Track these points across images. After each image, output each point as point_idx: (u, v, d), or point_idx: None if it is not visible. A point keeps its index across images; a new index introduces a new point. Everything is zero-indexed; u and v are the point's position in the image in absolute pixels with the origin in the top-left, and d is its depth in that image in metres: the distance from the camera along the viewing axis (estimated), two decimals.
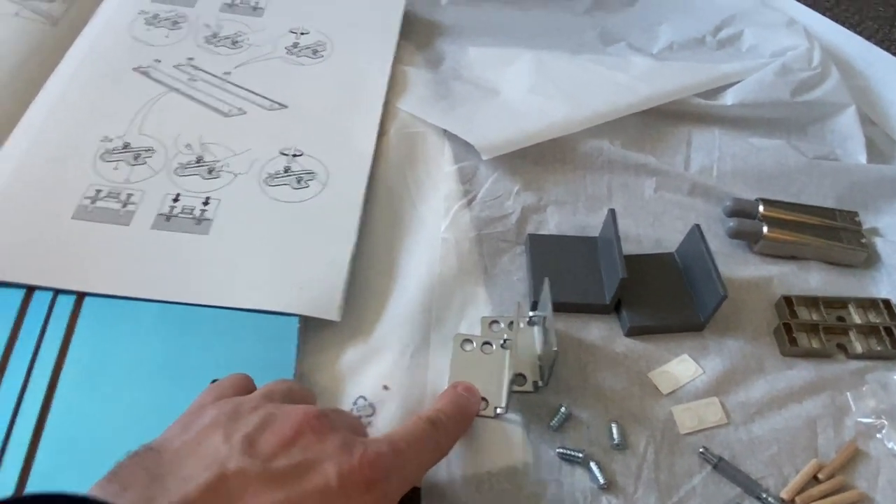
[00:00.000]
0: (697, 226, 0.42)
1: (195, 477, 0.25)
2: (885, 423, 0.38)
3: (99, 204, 0.42)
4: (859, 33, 0.61)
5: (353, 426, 0.31)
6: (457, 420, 0.33)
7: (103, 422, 0.34)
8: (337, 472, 0.26)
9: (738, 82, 0.53)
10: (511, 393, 0.37)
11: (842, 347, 0.41)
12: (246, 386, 0.32)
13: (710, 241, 0.41)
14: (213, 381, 0.33)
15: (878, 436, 0.38)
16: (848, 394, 0.39)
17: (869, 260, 0.45)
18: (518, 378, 0.38)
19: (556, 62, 0.54)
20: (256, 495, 0.25)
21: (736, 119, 0.52)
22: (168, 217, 0.42)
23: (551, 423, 0.37)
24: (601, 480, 0.35)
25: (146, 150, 0.45)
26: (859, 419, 0.38)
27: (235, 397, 0.30)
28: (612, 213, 0.42)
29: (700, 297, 0.41)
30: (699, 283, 0.41)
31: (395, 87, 0.52)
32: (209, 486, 0.24)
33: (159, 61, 0.51)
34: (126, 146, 0.45)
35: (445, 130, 0.49)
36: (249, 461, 0.25)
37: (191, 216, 0.42)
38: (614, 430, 0.37)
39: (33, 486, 0.32)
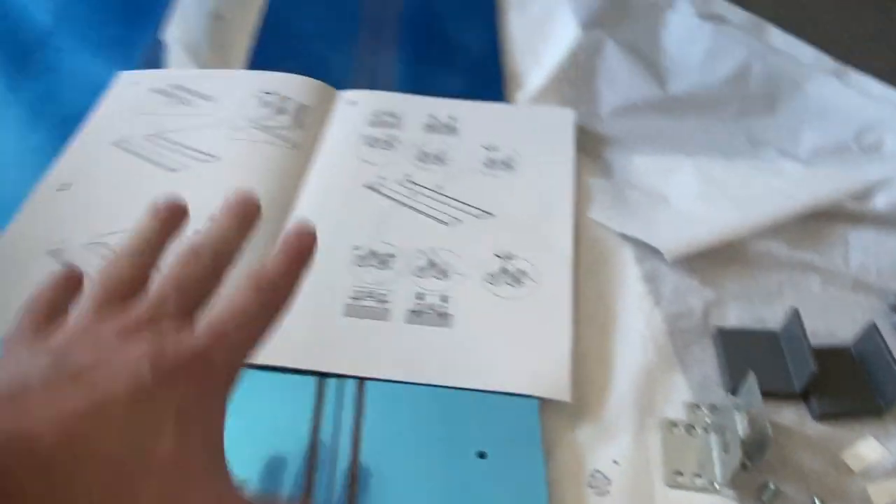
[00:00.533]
0: (875, 324, 0.48)
1: None
2: None
3: (361, 303, 0.52)
4: None
5: None
6: (287, 271, 0.32)
7: (397, 487, 0.43)
8: (150, 365, 0.25)
9: (887, 186, 0.60)
10: (728, 472, 0.44)
11: None
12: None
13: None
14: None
15: None
16: None
17: None
18: (733, 459, 0.45)
19: (715, 169, 0.62)
20: (56, 398, 0.23)
21: (889, 219, 0.58)
22: (417, 313, 0.51)
23: (762, 498, 0.43)
24: None
25: (389, 256, 0.55)
26: None
27: (112, 297, 0.28)
28: (797, 312, 0.49)
29: (880, 386, 0.47)
30: (878, 375, 0.47)
31: (579, 196, 0.61)
32: (9, 390, 0.23)
33: (384, 178, 0.61)
34: (372, 253, 0.55)
35: (627, 236, 0.58)
36: (56, 367, 0.24)
37: (434, 312, 0.51)
38: (817, 503, 0.43)
39: None
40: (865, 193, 0.60)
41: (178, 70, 0.71)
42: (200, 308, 0.30)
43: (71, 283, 0.31)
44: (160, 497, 0.23)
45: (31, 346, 0.26)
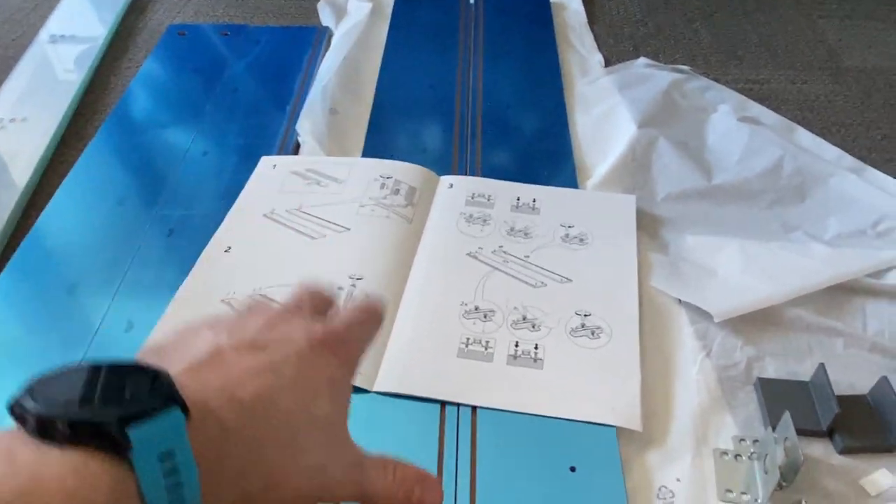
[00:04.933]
0: (885, 377, 0.60)
1: (195, 352, 0.28)
2: None
3: (470, 348, 0.65)
4: None
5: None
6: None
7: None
8: (306, 336, 0.30)
9: None
10: (769, 491, 0.55)
11: None
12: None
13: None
14: None
15: None
16: None
17: None
18: (772, 480, 0.57)
19: (754, 248, 0.76)
20: (245, 360, 0.28)
21: None
22: (515, 357, 0.65)
23: None
24: None
25: (490, 311, 0.69)
26: None
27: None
28: (823, 365, 0.61)
29: (891, 427, 0.59)
30: (889, 417, 0.59)
31: (641, 266, 0.75)
32: (210, 354, 0.28)
33: (482, 248, 0.76)
34: (476, 308, 0.69)
35: (681, 300, 0.71)
36: (238, 339, 0.29)
37: (529, 356, 0.65)
38: None
39: None
40: (880, 272, 0.73)
41: (310, 157, 0.88)
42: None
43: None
44: (320, 447, 0.28)
45: (212, 328, 0.30)
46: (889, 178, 0.85)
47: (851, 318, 0.70)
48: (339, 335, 0.32)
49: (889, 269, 0.73)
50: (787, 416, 0.57)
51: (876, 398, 0.61)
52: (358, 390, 0.61)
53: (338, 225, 0.77)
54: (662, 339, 0.68)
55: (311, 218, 0.78)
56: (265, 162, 0.87)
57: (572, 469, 0.56)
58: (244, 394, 0.26)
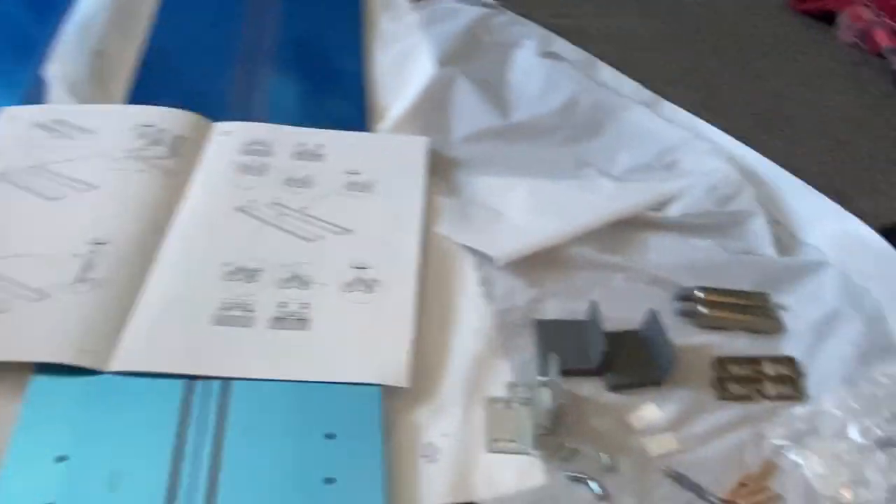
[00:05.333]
0: (654, 311, 0.60)
1: None
2: (791, 443, 0.55)
3: (229, 313, 0.59)
4: (769, 150, 0.81)
5: None
6: None
7: (267, 472, 0.50)
8: None
9: (678, 198, 0.72)
10: (535, 436, 0.53)
11: (760, 392, 0.59)
12: None
13: (665, 318, 0.59)
14: None
15: (786, 453, 0.55)
16: (765, 425, 0.56)
17: (778, 328, 0.63)
18: (538, 425, 0.55)
19: (544, 188, 0.73)
20: None
21: (679, 226, 0.71)
22: (279, 319, 0.59)
23: (561, 455, 0.53)
24: (598, 492, 0.51)
25: (256, 271, 0.62)
26: (773, 441, 0.55)
27: None
28: (595, 304, 0.60)
29: (658, 361, 0.58)
30: (658, 352, 0.59)
31: (428, 212, 0.70)
32: None
33: (254, 201, 0.68)
34: (241, 269, 0.62)
35: (466, 245, 0.67)
36: None
37: (295, 318, 0.59)
38: (604, 457, 0.53)
39: None
40: (663, 205, 0.72)
41: (59, 105, 0.76)
42: None
43: None
44: None
45: None
46: (680, 111, 0.85)
47: (633, 253, 0.69)
48: None
49: (672, 201, 0.73)
50: (552, 357, 0.55)
51: (646, 333, 0.61)
52: (85, 373, 0.53)
53: (82, 182, 0.67)
54: (445, 288, 0.65)
55: (53, 176, 0.68)
56: (5, 114, 0.74)
57: (329, 436, 0.52)
58: None
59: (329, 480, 0.49)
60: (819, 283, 0.67)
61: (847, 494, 0.51)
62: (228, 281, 0.61)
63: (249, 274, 0.62)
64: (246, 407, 0.53)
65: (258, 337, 0.57)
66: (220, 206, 0.68)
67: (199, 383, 0.54)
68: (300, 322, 0.59)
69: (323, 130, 0.77)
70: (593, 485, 0.51)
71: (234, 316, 0.59)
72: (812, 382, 0.59)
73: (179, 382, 0.54)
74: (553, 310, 0.64)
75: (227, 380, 0.54)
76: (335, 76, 0.86)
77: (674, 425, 0.56)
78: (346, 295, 0.61)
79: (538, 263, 0.67)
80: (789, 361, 0.60)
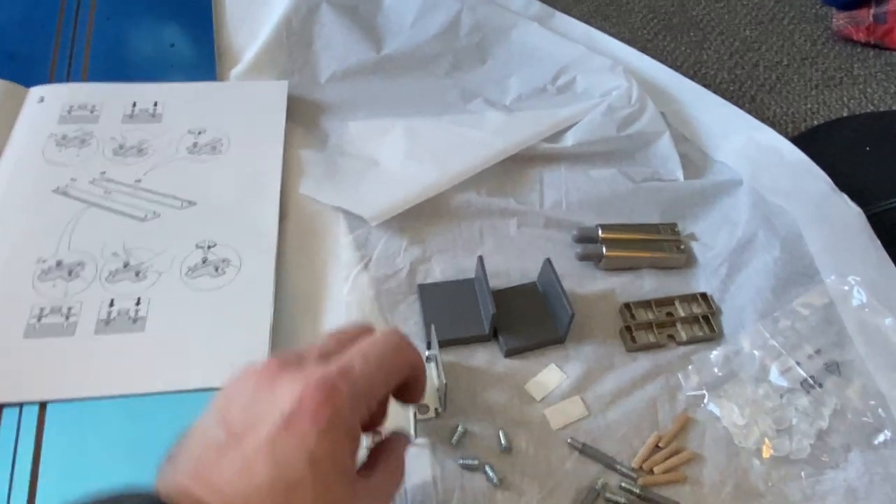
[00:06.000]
0: (548, 259, 0.52)
1: (194, 452, 0.30)
2: (707, 392, 0.49)
3: (45, 321, 0.49)
4: (675, 59, 0.73)
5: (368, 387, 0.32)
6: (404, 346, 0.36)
7: None
8: (280, 415, 0.29)
9: (575, 124, 0.64)
10: (417, 422, 0.46)
11: (671, 337, 0.52)
12: (354, 334, 0.35)
13: (563, 264, 0.52)
14: None
15: (702, 404, 0.49)
16: (679, 374, 0.50)
17: (688, 261, 0.57)
18: (422, 408, 0.47)
19: (423, 128, 0.64)
20: (225, 460, 0.29)
21: (577, 156, 0.63)
22: (107, 321, 0.49)
23: (451, 441, 0.46)
24: (494, 480, 0.44)
25: (77, 265, 0.52)
26: (688, 393, 0.49)
27: (290, 356, 0.33)
28: (481, 259, 0.52)
29: (557, 315, 0.51)
30: (555, 305, 0.51)
31: (289, 170, 0.60)
32: (198, 459, 0.30)
33: (75, 179, 0.57)
34: (59, 264, 0.52)
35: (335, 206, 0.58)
36: (226, 427, 0.30)
37: (127, 317, 0.49)
38: (501, 437, 0.46)
39: None
40: (558, 132, 0.64)
41: None
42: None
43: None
44: None
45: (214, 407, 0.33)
46: (575, 22, 0.75)
47: (527, 192, 0.61)
48: (326, 387, 0.30)
49: (567, 129, 0.64)
50: (432, 328, 0.48)
51: (542, 285, 0.54)
52: None
53: None
54: (313, 258, 0.56)
55: None
56: None
57: None
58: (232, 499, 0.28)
59: None
60: (731, 205, 0.60)
61: (768, 446, 0.46)
62: (43, 281, 0.51)
63: (69, 270, 0.52)
64: (67, 434, 0.44)
65: (81, 346, 0.48)
66: (34, 189, 0.56)
67: (12, 411, 0.44)
68: (133, 322, 0.49)
69: (160, 84, 0.65)
70: (489, 471, 0.45)
71: (50, 324, 0.48)
72: (727, 321, 0.53)
73: None
74: (441, 270, 0.55)
75: (43, 404, 0.45)
76: (177, 18, 0.73)
77: (579, 388, 0.49)
78: (189, 282, 0.52)
79: (421, 216, 0.58)
80: (703, 298, 0.54)
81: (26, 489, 0.41)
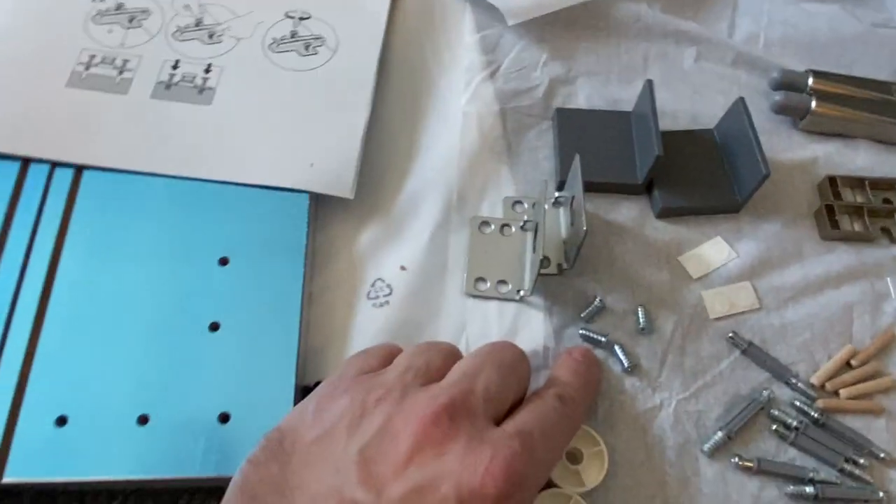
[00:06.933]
0: (742, 99, 0.38)
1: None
2: None
3: (93, 70, 0.39)
4: None
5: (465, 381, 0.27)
6: (584, 392, 0.31)
7: (108, 298, 0.33)
8: (456, 494, 0.24)
9: None
10: (537, 276, 0.35)
11: (886, 231, 0.39)
12: (390, 355, 0.30)
13: (753, 116, 0.38)
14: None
15: None
16: (888, 279, 0.37)
17: None
18: (543, 261, 0.36)
19: None
20: None
21: None
22: (168, 85, 0.39)
23: (582, 315, 0.35)
24: (626, 364, 0.34)
25: (141, 12, 0.41)
26: None
27: (371, 376, 0.28)
28: (650, 84, 0.38)
29: (739, 176, 0.38)
30: (739, 162, 0.38)
31: None
32: None
33: None
34: (119, 7, 0.41)
35: None
36: (364, 493, 0.24)
37: (192, 84, 0.39)
38: (640, 315, 0.35)
39: (40, 362, 0.31)
40: None
41: None
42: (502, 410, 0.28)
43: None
44: None
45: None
46: None
47: (715, 18, 0.46)
48: (511, 478, 0.24)
49: None
50: (576, 161, 0.36)
51: (724, 133, 0.40)
52: None
53: None
54: (426, 54, 0.43)
55: None
56: None
57: (223, 262, 0.34)
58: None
59: (213, 327, 0.33)
60: None
61: None
62: (98, 24, 0.41)
63: (131, 16, 0.41)
64: (100, 208, 0.35)
65: (134, 109, 0.38)
66: None
67: (42, 168, 0.36)
68: (197, 92, 0.39)
69: None
70: (619, 352, 0.34)
71: (100, 75, 0.39)
72: None
73: (12, 166, 0.36)
74: (586, 96, 0.43)
75: (80, 168, 0.36)
76: None
77: (751, 273, 0.37)
78: (272, 56, 0.41)
79: (570, 26, 0.44)
80: None
81: (47, 261, 0.33)
